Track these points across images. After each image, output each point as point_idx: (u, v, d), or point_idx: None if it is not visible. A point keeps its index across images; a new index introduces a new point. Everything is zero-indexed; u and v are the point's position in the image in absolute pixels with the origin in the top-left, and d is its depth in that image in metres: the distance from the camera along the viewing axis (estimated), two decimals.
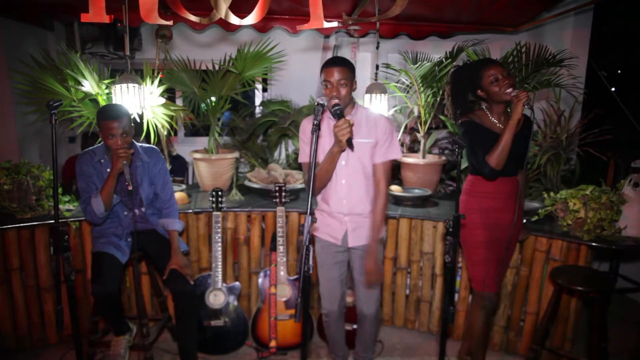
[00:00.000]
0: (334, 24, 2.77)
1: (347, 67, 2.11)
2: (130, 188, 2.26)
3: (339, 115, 1.96)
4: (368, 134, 2.19)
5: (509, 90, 2.17)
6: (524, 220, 2.58)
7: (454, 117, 2.43)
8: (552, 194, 2.72)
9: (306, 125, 2.25)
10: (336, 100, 2.02)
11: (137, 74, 2.92)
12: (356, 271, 2.35)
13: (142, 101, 2.85)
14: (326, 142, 2.16)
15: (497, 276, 2.36)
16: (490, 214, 2.31)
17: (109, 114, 2.33)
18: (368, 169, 2.22)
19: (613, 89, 4.61)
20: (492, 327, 2.82)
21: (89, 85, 2.88)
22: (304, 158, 2.24)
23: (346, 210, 2.24)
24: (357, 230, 2.27)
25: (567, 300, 2.69)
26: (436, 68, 3.38)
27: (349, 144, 1.95)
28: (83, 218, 2.64)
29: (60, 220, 2.01)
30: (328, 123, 2.18)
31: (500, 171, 2.21)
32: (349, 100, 2.14)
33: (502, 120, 2.30)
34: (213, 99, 3.38)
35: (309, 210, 1.74)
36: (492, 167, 2.18)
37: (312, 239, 2.07)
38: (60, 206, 2.86)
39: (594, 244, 2.49)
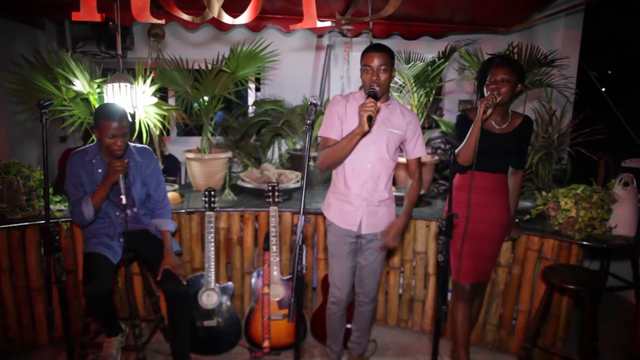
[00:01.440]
0: (327, 23, 2.77)
1: (388, 54, 2.16)
2: (124, 202, 2.26)
3: (371, 96, 2.01)
4: (399, 126, 2.25)
5: (496, 94, 2.21)
6: (517, 220, 2.60)
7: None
8: (544, 193, 2.74)
9: (339, 100, 2.28)
10: (375, 86, 2.08)
11: (129, 73, 2.90)
12: (363, 257, 2.39)
13: (134, 101, 2.83)
14: (353, 125, 2.20)
15: (474, 268, 2.41)
16: (475, 208, 2.33)
17: (109, 113, 2.31)
18: (391, 160, 2.29)
19: (603, 89, 4.64)
20: (475, 322, 2.82)
21: (80, 84, 2.86)
22: (324, 132, 2.26)
23: (365, 194, 2.28)
24: (372, 217, 2.31)
25: (558, 299, 2.71)
26: (429, 68, 3.39)
27: (369, 123, 1.98)
28: None
29: (51, 221, 1.98)
30: (356, 107, 2.21)
31: (491, 167, 2.28)
32: (387, 87, 2.19)
33: (498, 121, 2.33)
34: (206, 98, 3.36)
35: (302, 210, 1.74)
36: (458, 162, 2.29)
37: (306, 239, 2.08)
38: (51, 206, 2.84)
39: (585, 242, 2.51)
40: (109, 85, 2.74)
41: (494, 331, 2.91)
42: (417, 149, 2.33)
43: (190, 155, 3.32)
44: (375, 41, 3.91)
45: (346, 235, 2.34)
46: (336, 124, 2.24)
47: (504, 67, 2.24)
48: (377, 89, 2.06)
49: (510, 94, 2.24)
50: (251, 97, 5.23)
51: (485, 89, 2.29)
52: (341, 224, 2.33)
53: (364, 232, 2.32)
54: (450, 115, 5.08)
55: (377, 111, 2.02)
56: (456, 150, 2.31)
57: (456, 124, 2.43)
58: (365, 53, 2.17)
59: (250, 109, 4.69)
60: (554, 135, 3.16)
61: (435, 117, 3.90)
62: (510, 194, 2.43)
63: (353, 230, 2.31)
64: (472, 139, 2.22)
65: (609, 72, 6.25)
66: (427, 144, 4.07)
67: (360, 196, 2.28)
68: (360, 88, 2.30)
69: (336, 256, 2.39)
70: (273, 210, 2.80)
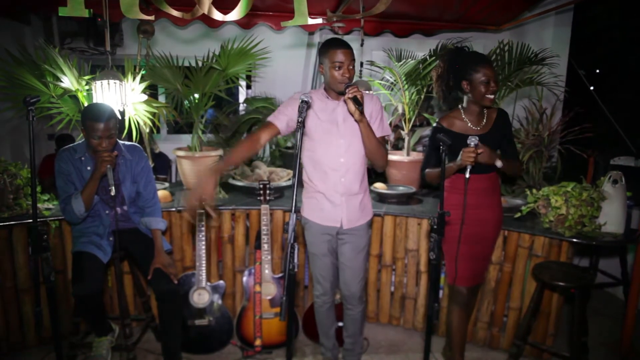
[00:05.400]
0: (319, 20, 2.77)
1: (352, 49, 2.16)
2: (112, 194, 2.22)
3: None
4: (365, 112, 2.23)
5: (491, 97, 2.22)
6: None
7: (442, 97, 2.45)
8: (534, 190, 2.75)
9: (297, 97, 2.24)
10: (347, 82, 2.11)
11: (119, 70, 2.86)
12: (344, 256, 2.36)
13: (124, 98, 2.80)
14: (318, 119, 2.22)
15: (471, 271, 2.41)
16: (469, 210, 2.31)
17: (96, 114, 2.27)
18: (363, 148, 2.27)
19: (592, 88, 4.69)
20: (469, 321, 2.83)
21: (68, 81, 2.81)
22: (273, 119, 2.24)
23: (342, 189, 2.26)
24: (353, 212, 2.30)
25: (549, 296, 2.73)
26: (420, 66, 3.39)
27: (358, 105, 2.02)
28: (63, 217, 2.58)
29: (39, 220, 1.95)
30: (320, 104, 2.23)
31: (483, 168, 2.27)
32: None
33: (474, 121, 2.34)
34: (196, 95, 3.33)
35: (293, 208, 1.74)
36: (424, 179, 2.42)
37: (297, 237, 2.08)
38: (40, 205, 2.79)
39: (575, 240, 2.53)
40: (98, 82, 2.70)
41: (485, 328, 2.92)
42: (384, 128, 2.32)
43: (181, 153, 3.29)
44: (367, 39, 3.92)
45: (325, 233, 2.32)
46: (282, 117, 2.23)
47: (491, 66, 2.23)
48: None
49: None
50: (242, 95, 5.20)
51: (477, 89, 2.23)
52: (322, 221, 2.30)
53: (346, 227, 2.30)
54: (441, 113, 5.09)
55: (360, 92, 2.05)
56: (425, 171, 2.39)
57: (431, 135, 2.44)
58: (331, 49, 2.12)
59: (241, 107, 4.66)
60: (545, 133, 3.18)
61: (426, 115, 3.91)
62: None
63: (335, 227, 2.30)
64: (449, 173, 2.27)
65: (598, 70, 6.31)
66: (419, 141, 4.09)
67: (339, 192, 2.26)
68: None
69: (316, 255, 2.38)
70: (264, 208, 2.79)
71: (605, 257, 3.69)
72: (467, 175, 2.09)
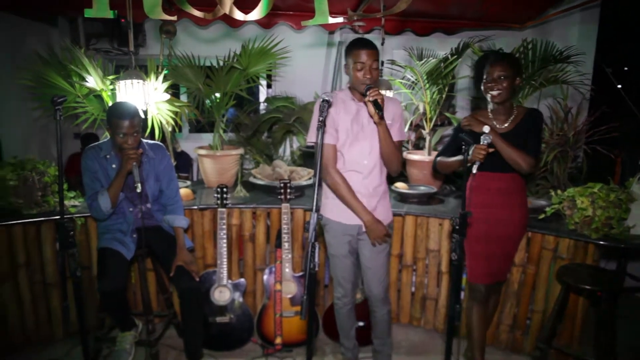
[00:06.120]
0: (339, 19, 2.76)
1: (376, 50, 2.14)
2: (139, 190, 2.26)
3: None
4: (385, 115, 2.21)
5: (495, 92, 2.25)
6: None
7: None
8: (559, 191, 2.70)
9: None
10: (368, 83, 2.10)
11: (142, 70, 2.91)
12: (364, 257, 2.36)
13: (147, 97, 2.84)
14: (343, 120, 2.21)
15: (487, 269, 2.40)
16: (490, 209, 2.33)
17: (121, 112, 2.32)
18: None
19: (620, 86, 4.56)
20: (491, 321, 2.79)
21: (93, 81, 2.87)
22: (314, 138, 2.13)
23: (364, 191, 2.26)
24: (375, 210, 2.28)
25: (574, 299, 2.67)
26: (441, 65, 3.35)
27: (378, 108, 2.03)
28: (88, 214, 2.64)
29: (65, 216, 2.00)
30: (344, 105, 2.23)
31: (500, 167, 2.28)
32: (376, 82, 2.18)
33: (502, 119, 2.33)
34: (217, 95, 3.37)
35: (314, 207, 1.74)
36: (435, 167, 2.51)
37: (318, 236, 2.07)
38: (66, 202, 2.86)
39: (602, 242, 2.47)
40: (122, 82, 2.75)
41: (508, 331, 2.88)
42: (402, 132, 2.32)
43: (202, 151, 3.33)
44: (387, 38, 3.90)
45: (346, 234, 2.31)
46: (329, 130, 2.21)
47: (500, 63, 2.23)
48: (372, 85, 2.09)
49: (509, 90, 2.25)
50: (262, 94, 5.23)
51: (482, 87, 2.30)
52: (346, 220, 2.29)
53: None
54: (463, 113, 5.03)
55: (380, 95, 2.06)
56: (438, 159, 2.46)
57: (454, 129, 2.50)
58: (354, 49, 2.12)
59: (262, 106, 4.69)
60: (570, 133, 3.11)
61: (447, 114, 3.87)
62: None
63: (357, 225, 2.28)
64: (455, 166, 2.36)
65: (626, 68, 6.13)
66: (440, 141, 4.04)
67: (361, 192, 2.25)
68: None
69: (337, 256, 2.37)
70: (285, 207, 2.80)
71: (635, 260, 3.59)
72: (474, 171, 2.12)
